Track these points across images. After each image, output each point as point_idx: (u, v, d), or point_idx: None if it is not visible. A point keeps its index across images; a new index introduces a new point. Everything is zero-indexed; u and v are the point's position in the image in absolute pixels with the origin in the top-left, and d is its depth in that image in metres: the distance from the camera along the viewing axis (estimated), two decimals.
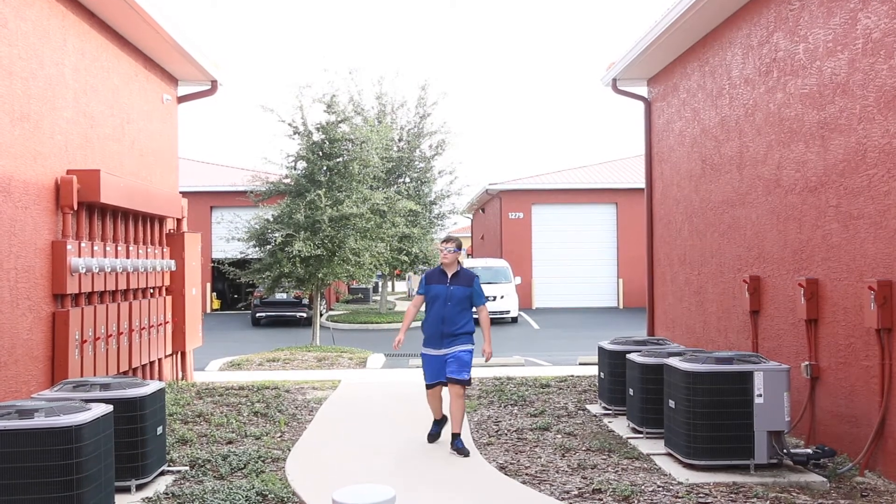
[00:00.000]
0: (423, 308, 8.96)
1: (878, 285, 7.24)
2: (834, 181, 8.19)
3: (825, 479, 7.23)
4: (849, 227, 7.92)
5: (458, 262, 8.78)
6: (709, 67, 11.65)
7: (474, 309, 8.78)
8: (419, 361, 20.01)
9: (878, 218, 7.43)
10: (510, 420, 9.99)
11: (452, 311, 8.54)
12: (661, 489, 7.00)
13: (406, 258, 29.77)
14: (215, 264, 23.70)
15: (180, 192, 13.99)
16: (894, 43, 7.18)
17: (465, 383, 8.50)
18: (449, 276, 8.67)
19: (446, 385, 8.59)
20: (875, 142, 7.47)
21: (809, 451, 7.67)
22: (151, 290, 12.03)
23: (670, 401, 7.90)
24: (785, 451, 7.51)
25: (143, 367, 11.61)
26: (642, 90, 14.96)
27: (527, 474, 7.59)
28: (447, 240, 8.74)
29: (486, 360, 8.83)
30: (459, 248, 8.73)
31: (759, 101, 9.91)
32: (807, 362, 8.57)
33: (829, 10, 8.27)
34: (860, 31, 7.71)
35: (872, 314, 7.30)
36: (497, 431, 9.43)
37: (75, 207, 9.49)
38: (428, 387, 8.80)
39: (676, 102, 13.16)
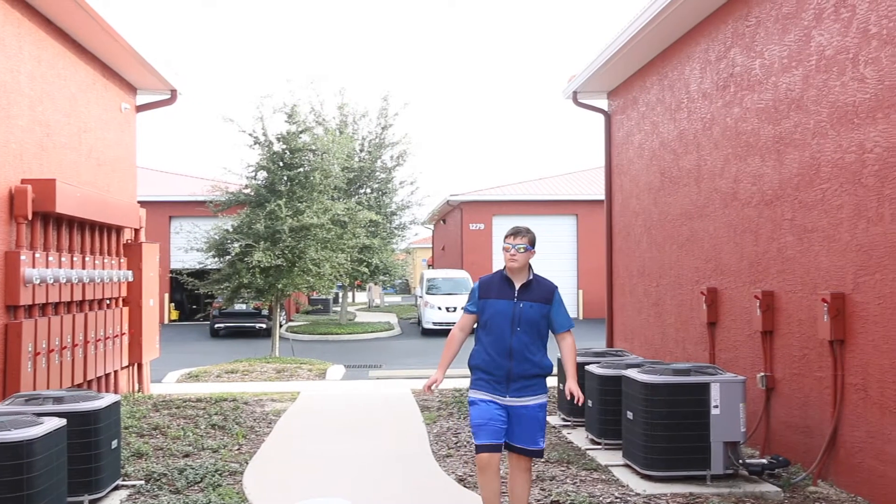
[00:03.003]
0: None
1: (831, 297, 7.35)
2: (789, 195, 8.30)
3: (779, 489, 7.30)
4: (803, 240, 8.03)
5: (530, 266, 6.06)
6: (668, 81, 11.77)
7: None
8: (380, 372, 19.42)
9: (831, 231, 7.54)
10: (469, 432, 9.99)
11: (524, 338, 5.83)
12: (618, 500, 7.03)
13: (366, 269, 29.71)
14: (174, 274, 23.51)
15: (138, 202, 13.86)
16: (846, 60, 7.30)
17: (539, 455, 5.98)
18: (517, 286, 5.94)
19: (499, 450, 5.82)
20: (828, 157, 7.58)
21: (764, 461, 7.75)
22: (108, 301, 11.88)
23: (628, 412, 7.95)
24: (740, 461, 7.58)
25: (99, 379, 11.45)
26: (602, 103, 15.08)
27: None
28: (515, 233, 6.01)
29: (578, 403, 5.93)
30: (532, 244, 6.01)
31: (717, 115, 10.03)
32: (762, 373, 8.67)
33: (784, 28, 8.40)
34: (814, 48, 7.84)
35: (826, 326, 7.40)
36: (456, 443, 9.42)
37: (30, 217, 9.35)
38: (481, 449, 5.77)
39: (636, 115, 13.28)
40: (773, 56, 8.65)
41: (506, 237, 6.04)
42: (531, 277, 6.01)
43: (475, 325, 6.13)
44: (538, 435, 5.88)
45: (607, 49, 12.54)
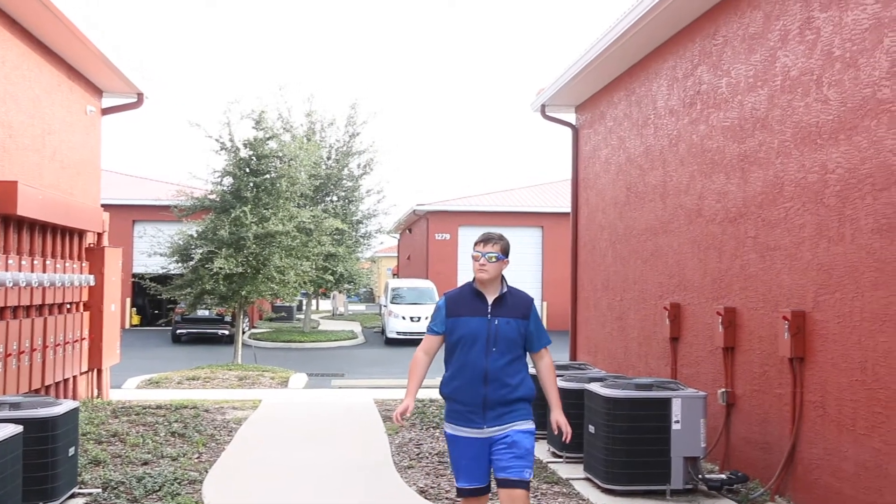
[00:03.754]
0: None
1: (791, 315, 7.43)
2: (753, 212, 8.39)
3: None
4: (766, 257, 8.12)
5: (503, 278, 5.37)
6: (635, 97, 11.86)
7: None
8: (343, 381, 19.34)
9: (793, 250, 7.63)
10: (431, 443, 9.96)
11: (501, 360, 5.13)
12: None
13: (331, 277, 29.61)
14: (136, 279, 23.31)
15: (102, 205, 13.72)
16: (810, 81, 7.40)
17: (526, 487, 5.08)
18: (490, 300, 5.23)
19: (484, 493, 5.26)
20: (791, 176, 7.67)
21: (724, 476, 7.80)
22: (68, 306, 11.73)
23: (590, 426, 7.98)
24: (700, 476, 7.63)
25: (57, 384, 11.29)
26: (570, 117, 15.16)
27: (447, 498, 7.57)
28: (486, 239, 5.30)
29: (566, 440, 5.39)
30: (506, 253, 5.32)
31: (683, 132, 10.12)
32: (723, 389, 8.74)
33: (750, 47, 8.50)
34: (779, 68, 7.94)
35: (786, 343, 7.48)
36: (418, 454, 9.39)
37: None
38: (462, 493, 5.29)
39: (603, 130, 13.37)
40: (739, 75, 8.74)
41: (475, 244, 5.30)
42: (505, 290, 5.27)
43: (442, 347, 5.39)
44: (527, 464, 5.07)
45: (576, 64, 12.61)
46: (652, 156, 11.12)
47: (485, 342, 5.14)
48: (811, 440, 7.28)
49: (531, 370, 5.46)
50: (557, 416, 5.35)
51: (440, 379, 5.32)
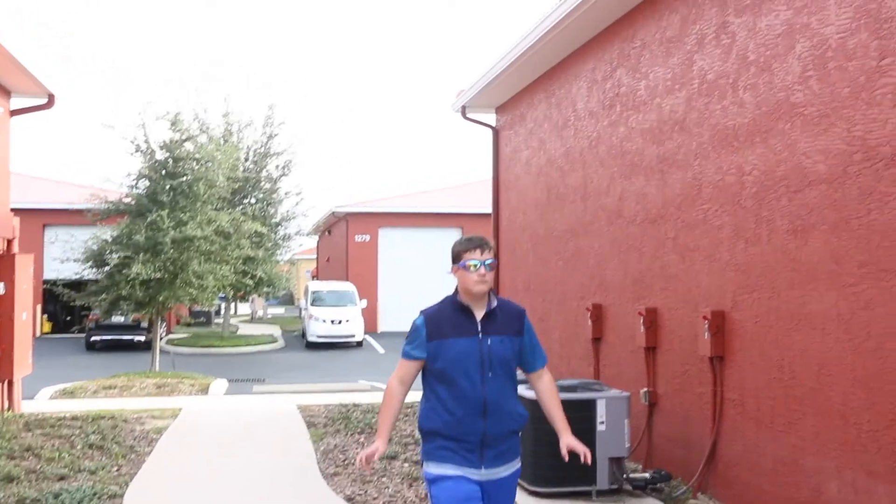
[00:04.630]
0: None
1: (711, 315, 7.56)
2: (672, 214, 8.52)
3: (661, 503, 7.46)
4: (685, 258, 8.25)
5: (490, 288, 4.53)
6: (555, 99, 11.96)
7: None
8: (265, 387, 19.06)
9: (711, 250, 7.77)
10: (357, 449, 9.88)
11: (498, 386, 4.38)
12: None
13: (251, 281, 29.24)
14: (48, 285, 22.69)
15: (11, 210, 13.29)
16: (726, 85, 7.55)
17: None
18: (478, 316, 4.45)
19: None
20: (710, 178, 7.82)
21: (647, 475, 7.92)
22: None
23: None
24: (625, 476, 7.72)
25: None
26: (491, 118, 15.22)
27: None
28: (480, 245, 4.47)
29: (586, 460, 4.59)
30: (496, 257, 4.57)
31: (603, 134, 10.23)
32: (645, 389, 8.86)
33: (667, 51, 8.63)
34: (696, 72, 8.08)
35: (706, 343, 7.62)
36: (344, 461, 9.30)
37: None
38: None
39: (524, 132, 13.45)
40: (657, 78, 8.88)
41: (465, 251, 4.45)
42: (495, 304, 4.48)
43: (420, 374, 4.52)
44: None
45: (496, 66, 12.66)
46: (572, 157, 11.23)
47: (478, 367, 4.33)
48: (731, 437, 7.42)
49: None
50: (569, 441, 4.55)
51: (379, 395, 4.65)
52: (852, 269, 5.90)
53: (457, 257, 4.51)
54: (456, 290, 4.54)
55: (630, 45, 9.52)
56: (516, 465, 4.51)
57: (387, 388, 4.51)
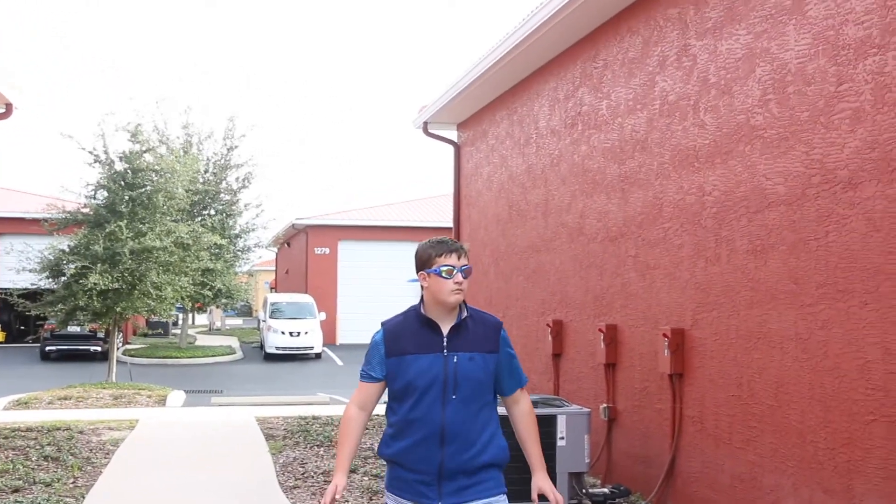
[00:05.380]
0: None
1: (671, 333, 7.66)
2: (633, 232, 8.63)
3: None
4: (646, 276, 8.35)
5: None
6: (517, 116, 12.05)
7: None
8: (223, 399, 18.94)
9: (671, 269, 7.87)
10: (316, 462, 9.85)
11: (461, 411, 3.86)
12: None
13: (209, 292, 29.06)
14: (2, 294, 22.38)
15: None
16: (687, 106, 7.67)
17: None
18: (445, 330, 3.91)
19: None
20: (670, 197, 7.93)
21: (606, 490, 7.99)
22: None
23: None
24: (584, 491, 7.78)
25: None
26: (452, 134, 15.28)
27: None
28: (456, 249, 3.91)
29: None
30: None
31: (565, 152, 10.33)
32: (605, 405, 8.93)
33: (629, 71, 8.75)
34: (658, 92, 8.20)
35: (666, 360, 7.71)
36: (304, 474, 9.26)
37: None
38: None
39: (485, 148, 13.53)
40: (619, 98, 8.99)
41: (437, 255, 3.88)
42: (465, 314, 3.94)
43: (382, 397, 4.05)
44: None
45: (458, 82, 12.73)
46: (534, 174, 11.32)
47: (441, 387, 3.82)
48: (690, 454, 7.51)
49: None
50: (541, 483, 4.01)
51: (348, 409, 4.04)
52: (810, 290, 6.01)
53: (426, 262, 3.91)
54: (421, 300, 4.00)
55: (592, 65, 9.63)
56: (498, 497, 3.94)
57: (344, 416, 4.02)
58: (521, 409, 4.10)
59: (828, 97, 5.89)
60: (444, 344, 3.87)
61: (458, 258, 3.87)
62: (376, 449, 4.11)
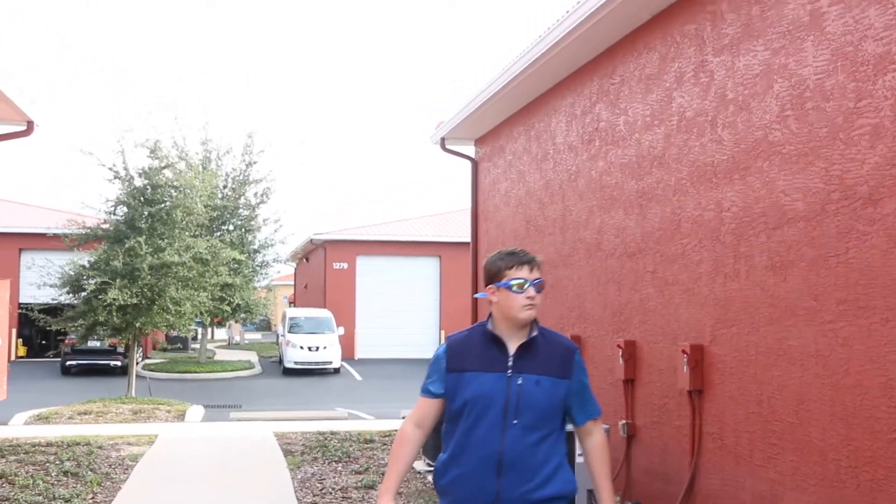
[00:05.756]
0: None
1: (690, 349, 7.62)
2: (651, 248, 8.61)
3: None
4: (664, 292, 8.32)
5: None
6: (534, 132, 12.06)
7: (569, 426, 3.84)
8: (241, 414, 18.98)
9: (690, 285, 7.85)
10: (335, 478, 9.86)
11: (523, 438, 3.55)
12: None
13: (228, 307, 29.16)
14: (23, 309, 22.57)
15: None
16: (705, 122, 7.66)
17: None
18: (511, 348, 3.67)
19: None
20: (688, 213, 7.91)
21: None
22: None
23: None
24: None
25: None
26: (470, 150, 15.32)
27: None
28: (529, 261, 3.70)
29: None
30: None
31: (582, 168, 10.33)
32: (624, 421, 8.90)
33: (647, 87, 8.75)
34: (675, 108, 8.19)
35: (685, 376, 7.67)
36: (322, 490, 9.28)
37: None
38: None
39: (503, 164, 13.54)
40: (636, 114, 8.99)
41: (507, 268, 3.65)
42: (535, 332, 3.69)
43: (442, 416, 3.78)
44: None
45: (475, 99, 12.76)
46: (551, 190, 11.32)
47: (501, 410, 3.53)
48: (710, 471, 7.47)
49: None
50: None
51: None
52: (831, 306, 5.98)
53: (496, 275, 3.68)
54: (489, 316, 3.76)
55: (609, 81, 9.64)
56: None
57: (399, 433, 3.75)
58: (593, 442, 3.82)
59: (847, 113, 5.87)
60: (510, 364, 3.61)
61: (531, 271, 3.66)
62: (431, 480, 3.83)
